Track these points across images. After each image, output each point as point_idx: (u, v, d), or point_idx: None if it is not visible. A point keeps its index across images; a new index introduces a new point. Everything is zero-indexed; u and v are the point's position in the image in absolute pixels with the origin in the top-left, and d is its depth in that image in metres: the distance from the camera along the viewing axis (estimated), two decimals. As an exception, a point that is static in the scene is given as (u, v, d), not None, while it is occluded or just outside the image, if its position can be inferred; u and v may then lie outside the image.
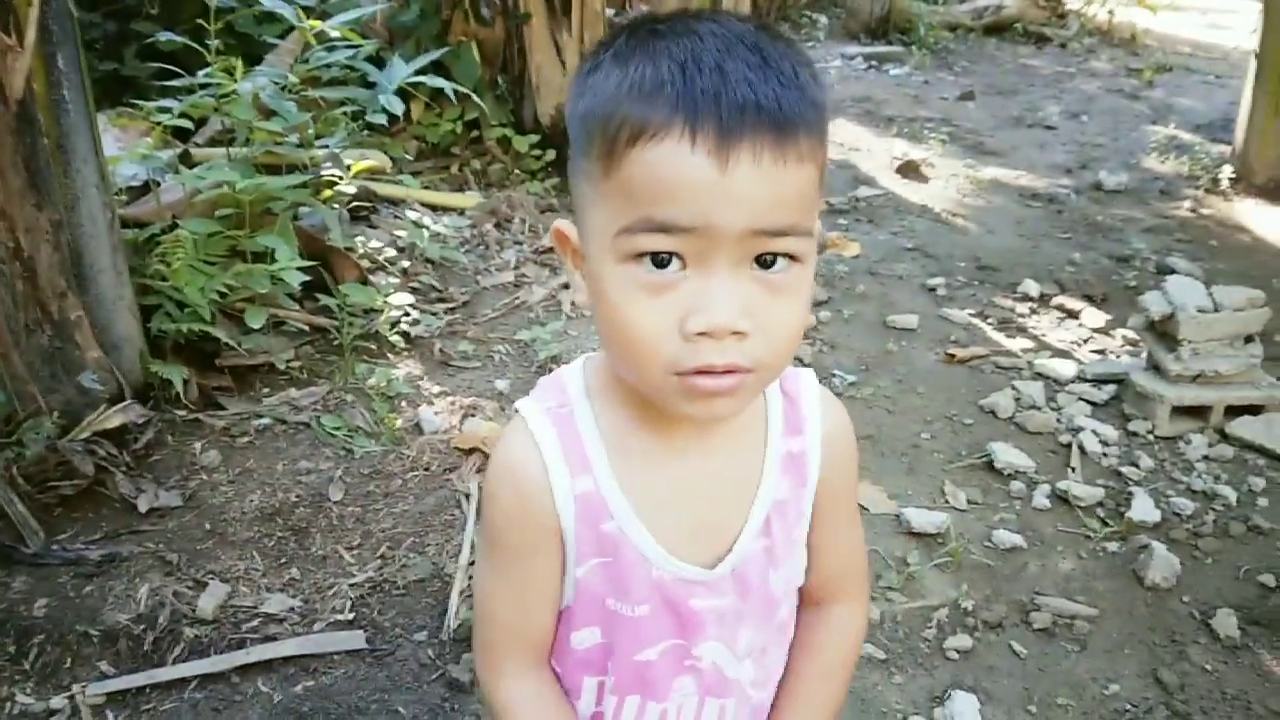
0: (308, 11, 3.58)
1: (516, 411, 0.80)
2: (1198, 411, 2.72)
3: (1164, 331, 2.75)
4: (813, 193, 0.68)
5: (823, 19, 8.64)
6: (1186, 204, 4.60)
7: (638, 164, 0.64)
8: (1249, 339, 2.74)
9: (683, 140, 0.62)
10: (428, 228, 3.43)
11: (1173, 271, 3.71)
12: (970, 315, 3.42)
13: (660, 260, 0.65)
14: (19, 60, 1.95)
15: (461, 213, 3.83)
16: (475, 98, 3.72)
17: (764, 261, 0.67)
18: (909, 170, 4.98)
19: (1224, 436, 2.69)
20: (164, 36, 2.78)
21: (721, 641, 0.81)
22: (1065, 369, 3.03)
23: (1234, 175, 4.82)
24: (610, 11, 5.33)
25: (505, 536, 0.78)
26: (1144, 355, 2.88)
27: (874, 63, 7.60)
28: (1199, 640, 2.00)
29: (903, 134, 5.70)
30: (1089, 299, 3.55)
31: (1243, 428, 2.68)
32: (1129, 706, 1.84)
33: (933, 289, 3.62)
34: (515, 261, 3.55)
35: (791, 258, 0.67)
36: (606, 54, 0.69)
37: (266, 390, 2.67)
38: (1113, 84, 7.21)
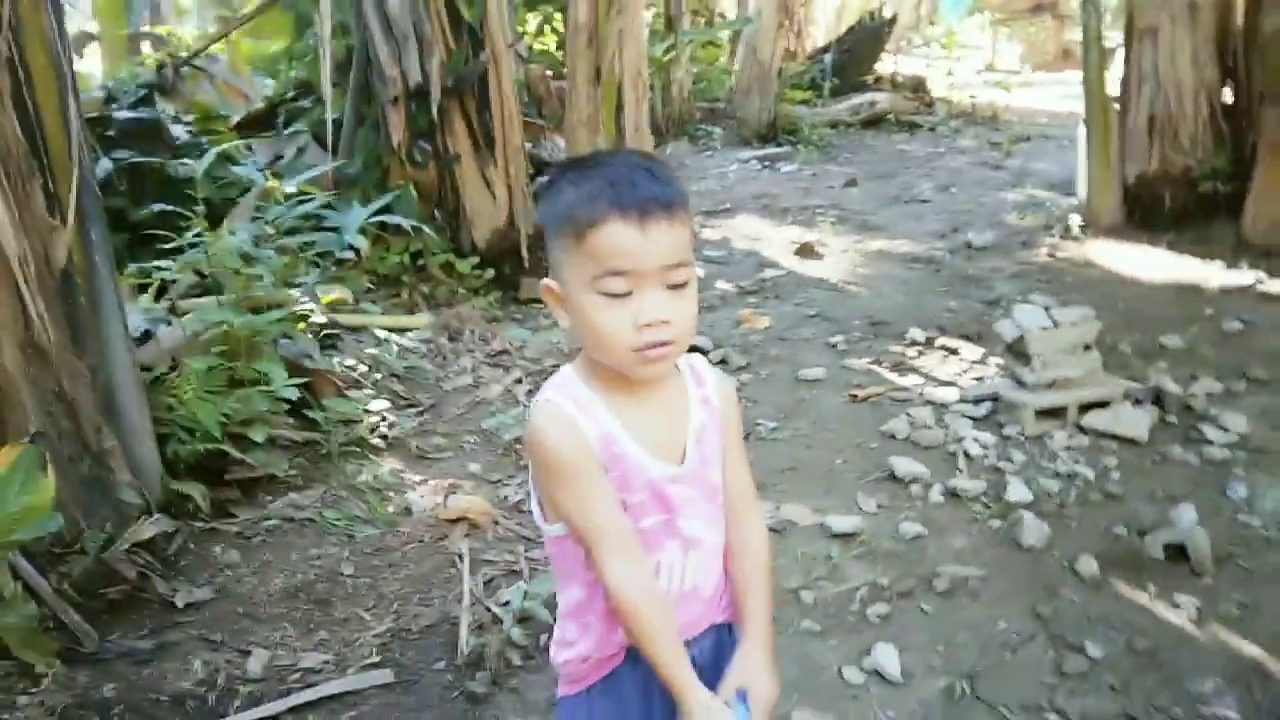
0: (264, 173, 4.12)
1: (546, 400, 1.22)
2: (1058, 413, 3.28)
3: (1019, 351, 3.33)
4: (689, 241, 1.19)
5: (718, 130, 9.54)
6: (1044, 251, 5.32)
7: (596, 239, 1.13)
8: (1088, 348, 3.33)
9: (619, 223, 1.13)
10: (392, 343, 3.89)
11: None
12: (868, 363, 3.98)
13: (616, 289, 1.15)
14: (62, 236, 2.40)
15: (416, 331, 4.30)
16: (423, 229, 4.25)
17: (671, 282, 1.16)
18: (806, 251, 5.63)
19: (1081, 430, 3.25)
20: (158, 208, 3.26)
21: (690, 516, 1.27)
22: (949, 395, 3.58)
23: (1083, 222, 5.59)
24: (529, 145, 5.99)
25: (577, 463, 1.17)
26: (1009, 372, 3.45)
27: (767, 163, 8.43)
28: (1067, 581, 2.49)
29: (797, 221, 6.41)
30: (966, 338, 4.15)
31: (1095, 419, 3.24)
32: (1015, 636, 2.30)
33: (834, 345, 4.18)
34: (472, 366, 4.02)
35: (685, 279, 1.18)
36: (562, 179, 1.19)
37: (270, 498, 3.05)
38: (978, 158, 8.13)
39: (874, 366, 3.95)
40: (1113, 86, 5.59)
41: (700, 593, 1.32)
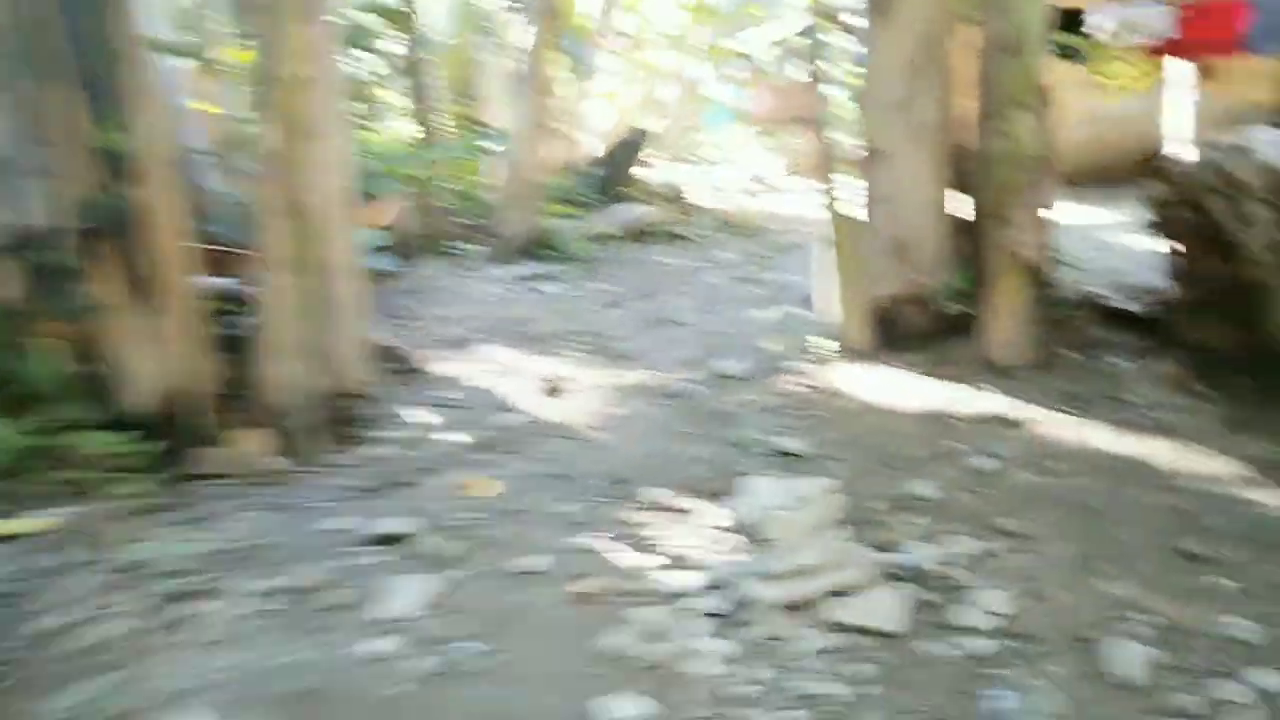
0: None
1: None
2: (805, 605, 2.78)
3: (756, 535, 2.84)
4: None
5: (475, 247, 8.98)
6: (796, 379, 5.02)
7: None
8: (833, 525, 2.88)
9: None
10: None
11: (785, 453, 3.98)
12: (605, 538, 3.38)
13: None
14: None
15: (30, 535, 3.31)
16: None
17: None
18: (552, 390, 5.07)
19: (833, 626, 2.75)
20: None
21: None
22: (686, 581, 3.03)
23: (834, 346, 5.37)
24: (236, 279, 5.13)
25: None
26: (750, 559, 2.94)
27: (528, 282, 7.92)
28: None
29: (551, 351, 5.87)
30: (713, 495, 3.65)
31: (847, 611, 2.76)
32: None
33: (569, 516, 3.57)
34: (88, 590, 3.06)
35: None
36: None
37: None
38: (737, 272, 8.00)
39: (608, 544, 3.36)
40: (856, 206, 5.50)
41: None
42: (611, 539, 3.40)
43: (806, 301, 6.64)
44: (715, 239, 9.74)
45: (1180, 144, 10.06)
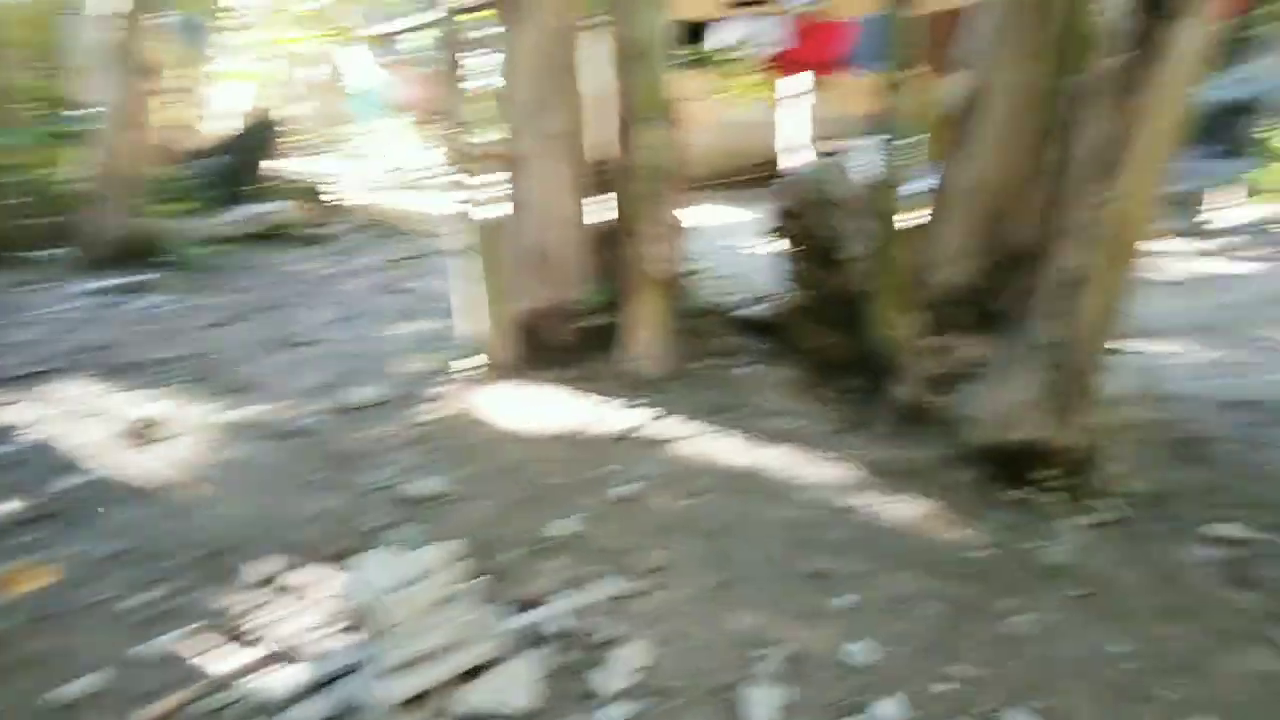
0: None
1: None
2: (426, 697, 2.42)
3: (370, 626, 2.42)
4: None
5: (52, 253, 7.51)
6: (435, 406, 4.62)
7: None
8: (460, 596, 2.54)
9: None
10: None
11: (419, 499, 3.59)
12: (180, 637, 2.76)
13: None
14: None
15: None
16: None
17: None
18: (138, 436, 4.22)
19: (462, 715, 2.42)
20: None
21: None
22: (288, 681, 2.53)
23: (475, 364, 5.04)
24: None
25: None
26: (365, 650, 2.51)
27: (121, 296, 6.73)
28: None
29: (142, 385, 4.94)
30: (333, 558, 3.17)
31: (476, 694, 2.44)
32: None
33: (138, 611, 2.89)
34: None
35: None
36: None
37: None
38: (378, 279, 7.41)
39: (193, 643, 2.74)
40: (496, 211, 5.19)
41: None
42: (199, 634, 2.79)
43: (451, 313, 6.26)
44: (357, 241, 9.02)
45: (796, 151, 11.06)
